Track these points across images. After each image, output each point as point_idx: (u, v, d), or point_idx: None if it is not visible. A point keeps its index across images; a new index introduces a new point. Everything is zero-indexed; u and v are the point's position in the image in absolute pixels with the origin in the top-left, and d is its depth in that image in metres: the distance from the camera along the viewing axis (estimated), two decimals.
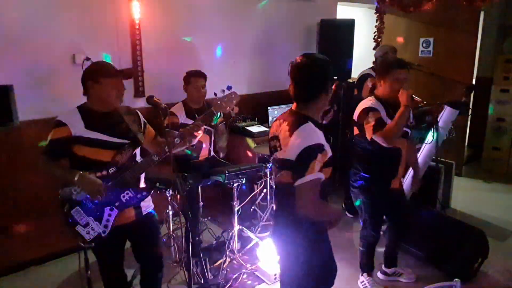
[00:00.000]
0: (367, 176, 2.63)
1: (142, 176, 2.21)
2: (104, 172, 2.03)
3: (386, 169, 2.62)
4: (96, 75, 2.05)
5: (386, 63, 2.57)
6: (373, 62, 4.14)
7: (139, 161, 2.17)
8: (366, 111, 2.51)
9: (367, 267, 2.91)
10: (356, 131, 2.66)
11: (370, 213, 2.70)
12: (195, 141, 2.24)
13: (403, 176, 2.70)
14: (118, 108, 2.15)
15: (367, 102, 2.57)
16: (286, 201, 1.85)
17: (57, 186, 3.18)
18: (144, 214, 2.23)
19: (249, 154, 3.92)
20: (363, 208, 2.72)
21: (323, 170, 1.72)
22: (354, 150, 2.74)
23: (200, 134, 2.22)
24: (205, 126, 3.29)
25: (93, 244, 2.06)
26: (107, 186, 2.02)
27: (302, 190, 1.67)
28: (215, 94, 2.30)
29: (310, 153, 1.66)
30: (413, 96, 2.43)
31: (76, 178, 1.96)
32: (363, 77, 3.85)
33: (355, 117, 2.62)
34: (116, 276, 2.31)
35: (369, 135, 2.48)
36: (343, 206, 4.18)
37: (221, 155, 3.68)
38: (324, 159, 1.69)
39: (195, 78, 3.27)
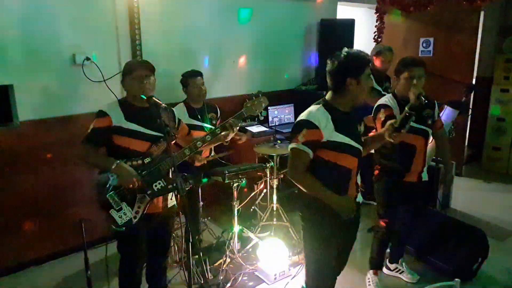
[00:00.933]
0: (382, 171, 2.70)
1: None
2: (140, 162, 2.17)
3: (399, 164, 2.65)
4: (123, 74, 2.24)
5: (402, 61, 2.61)
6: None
7: (172, 154, 2.26)
8: (379, 107, 2.59)
9: (375, 264, 2.91)
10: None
11: (384, 202, 2.74)
12: (228, 138, 2.43)
13: (422, 171, 2.72)
14: (156, 105, 2.24)
15: (383, 99, 2.65)
16: None
17: (57, 186, 3.22)
18: (168, 207, 2.35)
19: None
20: (378, 196, 2.78)
21: (327, 152, 1.91)
22: None
23: (235, 132, 2.40)
24: (206, 125, 3.32)
25: (124, 228, 2.17)
26: (141, 174, 2.14)
27: (289, 155, 1.96)
28: (246, 97, 2.46)
29: (298, 125, 1.93)
30: (421, 95, 2.45)
31: (113, 166, 2.09)
32: None
33: (372, 113, 2.69)
34: (136, 271, 2.36)
35: (378, 130, 2.56)
36: None
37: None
38: (313, 137, 1.88)
39: (192, 79, 3.27)
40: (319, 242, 2.06)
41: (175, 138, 2.36)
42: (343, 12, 5.52)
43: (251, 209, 3.73)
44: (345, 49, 1.94)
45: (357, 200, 2.12)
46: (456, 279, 2.17)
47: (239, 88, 4.39)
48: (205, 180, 3.30)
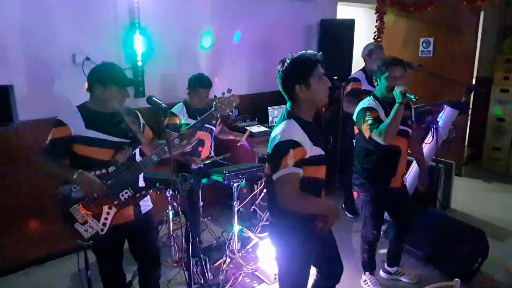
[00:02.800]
0: (367, 174, 2.66)
1: (141, 176, 2.22)
2: (104, 171, 2.05)
3: (385, 168, 2.64)
4: (106, 80, 2.05)
5: (381, 62, 2.59)
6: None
7: (138, 160, 2.19)
8: (364, 110, 2.54)
9: (369, 266, 2.92)
10: (356, 130, 2.70)
11: (370, 211, 2.72)
12: (188, 148, 2.33)
13: (404, 174, 2.73)
14: (119, 109, 2.17)
15: (365, 102, 2.61)
16: (269, 192, 1.97)
17: (57, 186, 3.21)
18: (143, 213, 2.25)
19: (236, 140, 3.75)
20: (364, 206, 2.74)
21: (307, 168, 1.79)
22: (355, 149, 2.79)
23: (193, 142, 2.31)
24: (206, 125, 3.32)
25: (91, 242, 2.06)
26: (106, 184, 2.04)
27: (278, 183, 1.77)
28: (215, 96, 2.34)
29: (281, 148, 1.76)
30: (407, 93, 2.44)
31: (75, 177, 1.97)
32: (348, 81, 3.84)
33: (354, 117, 2.65)
34: (115, 276, 2.32)
35: (367, 133, 2.52)
36: (343, 206, 4.18)
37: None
38: (299, 155, 1.75)
39: (200, 88, 3.25)
40: (301, 265, 1.96)
41: (141, 143, 2.24)
42: (343, 12, 5.52)
43: (251, 209, 3.73)
44: (289, 55, 1.84)
45: None
46: (456, 279, 2.16)
47: (239, 88, 4.38)
48: (204, 180, 3.30)
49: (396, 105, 2.42)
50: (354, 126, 2.70)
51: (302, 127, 1.82)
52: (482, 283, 2.98)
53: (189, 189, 3.04)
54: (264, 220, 3.57)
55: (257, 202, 3.74)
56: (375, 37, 5.12)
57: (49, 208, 3.20)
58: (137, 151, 2.22)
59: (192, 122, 3.25)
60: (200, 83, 3.26)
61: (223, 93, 2.39)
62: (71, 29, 3.19)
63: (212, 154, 3.51)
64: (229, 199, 3.22)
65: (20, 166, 3.07)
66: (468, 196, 4.61)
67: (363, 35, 5.46)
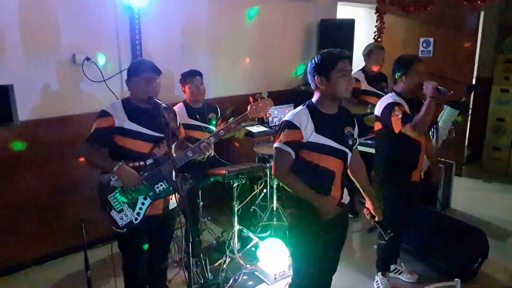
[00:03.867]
0: (389, 169, 2.66)
1: (174, 170, 2.27)
2: (142, 163, 2.17)
3: (408, 162, 2.65)
4: (131, 74, 2.20)
5: (405, 59, 2.61)
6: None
7: (174, 155, 2.26)
8: (392, 105, 2.53)
9: (384, 266, 2.90)
10: (377, 126, 2.68)
11: (397, 209, 2.68)
12: (210, 151, 2.40)
13: (422, 169, 2.75)
14: (159, 105, 2.23)
15: (389, 98, 2.60)
16: None
17: (57, 186, 3.22)
18: (169, 209, 2.34)
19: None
20: (389, 205, 2.69)
21: (306, 152, 1.95)
22: (375, 146, 2.81)
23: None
24: (206, 126, 3.32)
25: (125, 230, 2.16)
26: (143, 177, 2.15)
27: (274, 154, 2.00)
28: (251, 100, 2.43)
29: (281, 126, 1.99)
30: (439, 87, 2.46)
31: (115, 168, 2.09)
32: None
33: (377, 113, 2.63)
34: (139, 270, 2.35)
35: (397, 127, 2.50)
36: None
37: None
38: (293, 137, 1.92)
39: (191, 78, 3.28)
40: (304, 241, 2.07)
41: (178, 139, 2.33)
42: (343, 12, 5.52)
43: (251, 209, 3.73)
44: (320, 51, 1.99)
45: (343, 201, 2.10)
46: (456, 279, 2.17)
47: (239, 88, 4.39)
48: (204, 180, 3.29)
49: (428, 99, 2.46)
50: (376, 122, 2.69)
51: (313, 115, 1.95)
52: (482, 283, 2.98)
53: (189, 189, 3.05)
54: (264, 220, 3.57)
55: (257, 202, 3.74)
56: (375, 37, 5.11)
57: (49, 208, 3.22)
58: (173, 146, 2.28)
59: (192, 122, 3.26)
60: (189, 74, 3.29)
61: (259, 97, 2.46)
62: (71, 29, 3.19)
63: (213, 154, 3.51)
64: (229, 199, 3.22)
65: (20, 166, 3.07)
66: (468, 196, 4.61)
67: (363, 35, 5.46)
